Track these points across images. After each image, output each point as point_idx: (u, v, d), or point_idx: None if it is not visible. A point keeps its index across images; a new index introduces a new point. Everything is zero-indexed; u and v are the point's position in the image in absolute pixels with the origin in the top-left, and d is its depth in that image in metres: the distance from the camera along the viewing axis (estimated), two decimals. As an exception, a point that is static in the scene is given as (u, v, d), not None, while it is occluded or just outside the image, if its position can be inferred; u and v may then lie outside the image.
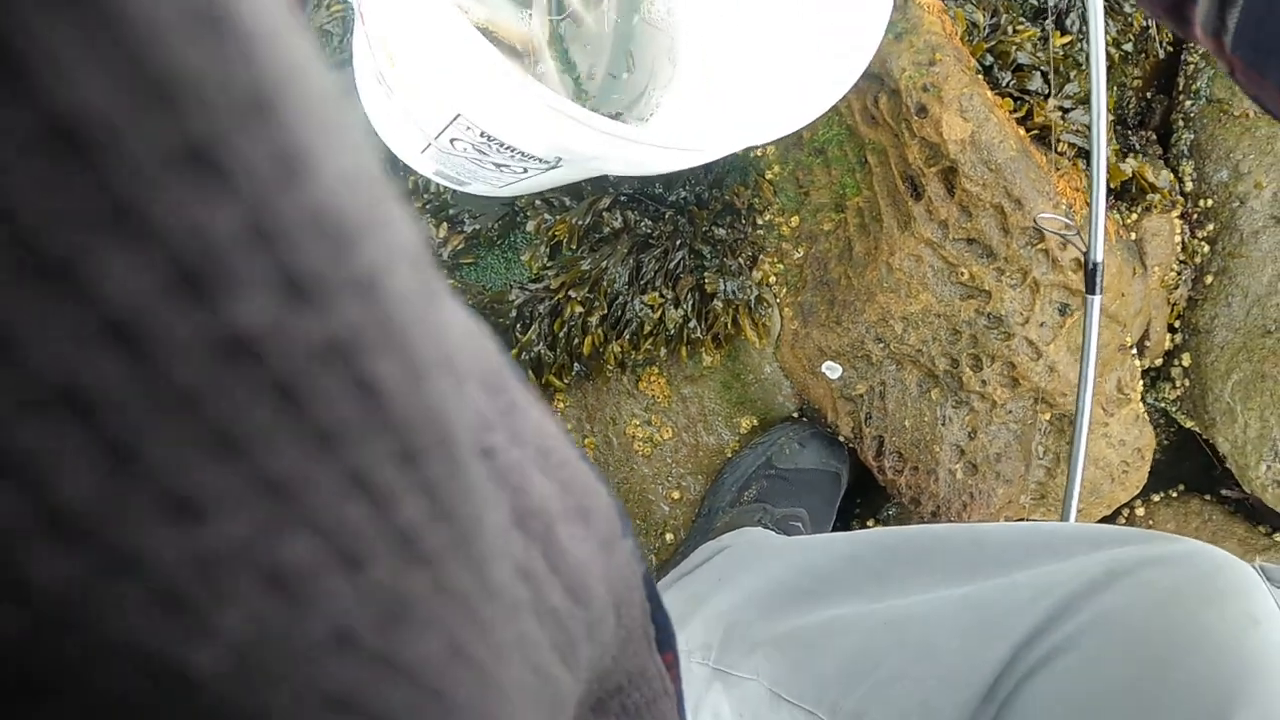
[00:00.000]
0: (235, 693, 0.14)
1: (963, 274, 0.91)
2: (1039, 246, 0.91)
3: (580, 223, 0.92)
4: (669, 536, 0.98)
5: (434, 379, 0.15)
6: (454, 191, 0.96)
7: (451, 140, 0.83)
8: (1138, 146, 1.14)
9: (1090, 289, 0.86)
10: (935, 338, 0.92)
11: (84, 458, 0.11)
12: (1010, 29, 1.04)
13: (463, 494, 0.17)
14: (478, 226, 0.95)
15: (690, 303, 0.91)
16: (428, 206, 0.95)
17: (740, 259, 0.93)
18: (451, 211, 0.96)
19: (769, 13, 0.91)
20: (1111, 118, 1.07)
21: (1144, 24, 1.17)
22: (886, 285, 0.91)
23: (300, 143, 0.13)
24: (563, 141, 0.74)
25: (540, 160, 0.80)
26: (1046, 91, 1.03)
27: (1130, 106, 1.19)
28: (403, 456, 0.15)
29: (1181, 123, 1.16)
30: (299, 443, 0.13)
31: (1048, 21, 1.12)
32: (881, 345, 0.93)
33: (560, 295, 0.92)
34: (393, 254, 0.14)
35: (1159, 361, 1.09)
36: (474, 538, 0.18)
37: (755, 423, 0.98)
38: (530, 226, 0.94)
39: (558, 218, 0.93)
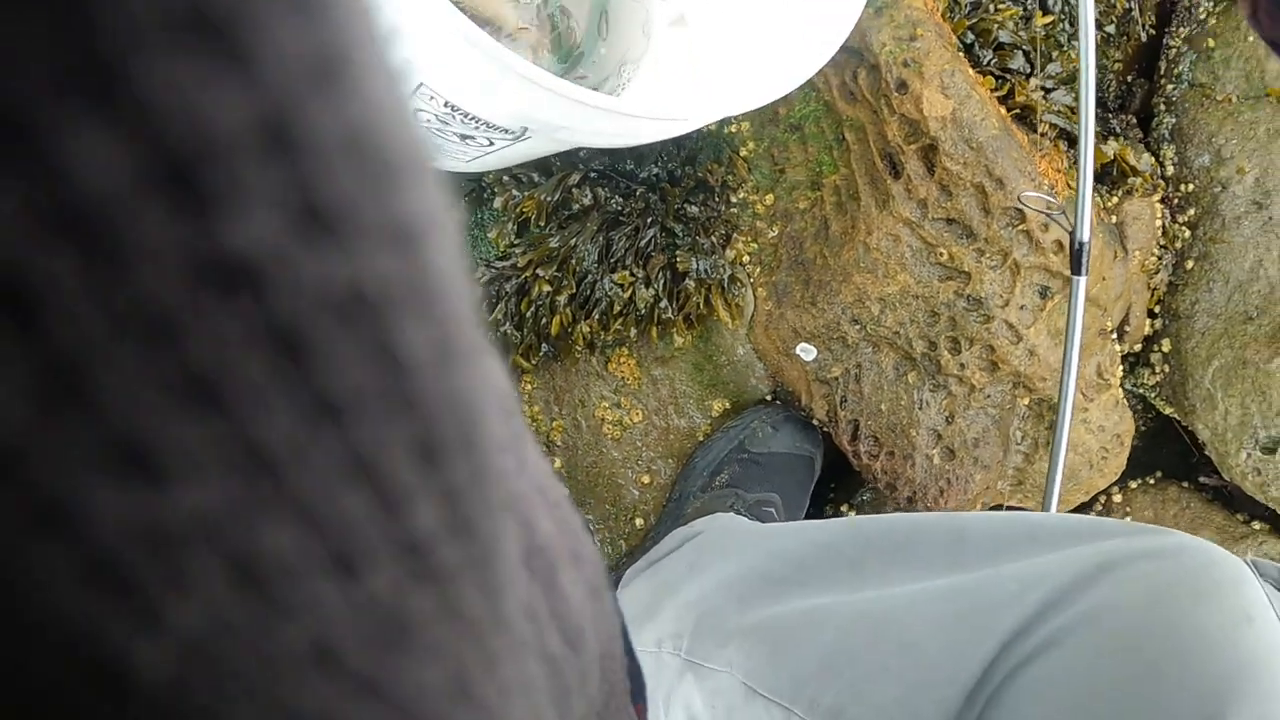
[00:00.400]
0: (179, 704, 0.11)
1: (942, 254, 0.88)
2: (1020, 228, 0.88)
3: (549, 199, 0.88)
4: (639, 521, 0.95)
5: (466, 366, 0.13)
6: (419, 166, 0.92)
7: (415, 111, 0.79)
8: (1118, 130, 1.11)
9: (1076, 269, 0.82)
10: (913, 319, 0.89)
11: (17, 373, 0.09)
12: (992, 7, 1.01)
13: (485, 508, 0.14)
14: (443, 202, 0.91)
15: (661, 282, 0.88)
16: (392, 181, 0.91)
17: (713, 237, 0.89)
18: (416, 186, 0.92)
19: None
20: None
21: (1126, 6, 1.14)
22: (863, 265, 0.88)
23: (343, 44, 0.10)
24: (529, 110, 0.71)
25: (505, 131, 0.77)
26: (1028, 71, 1.00)
27: (1111, 89, 1.16)
28: (423, 449, 0.12)
29: (1163, 106, 1.13)
30: (295, 406, 0.10)
31: (1030, 0, 1.09)
32: (858, 327, 0.90)
33: (528, 273, 0.88)
34: (435, 212, 0.12)
35: (1138, 347, 1.06)
36: (492, 561, 0.15)
37: (727, 405, 0.94)
38: (498, 203, 0.90)
39: (526, 194, 0.89)
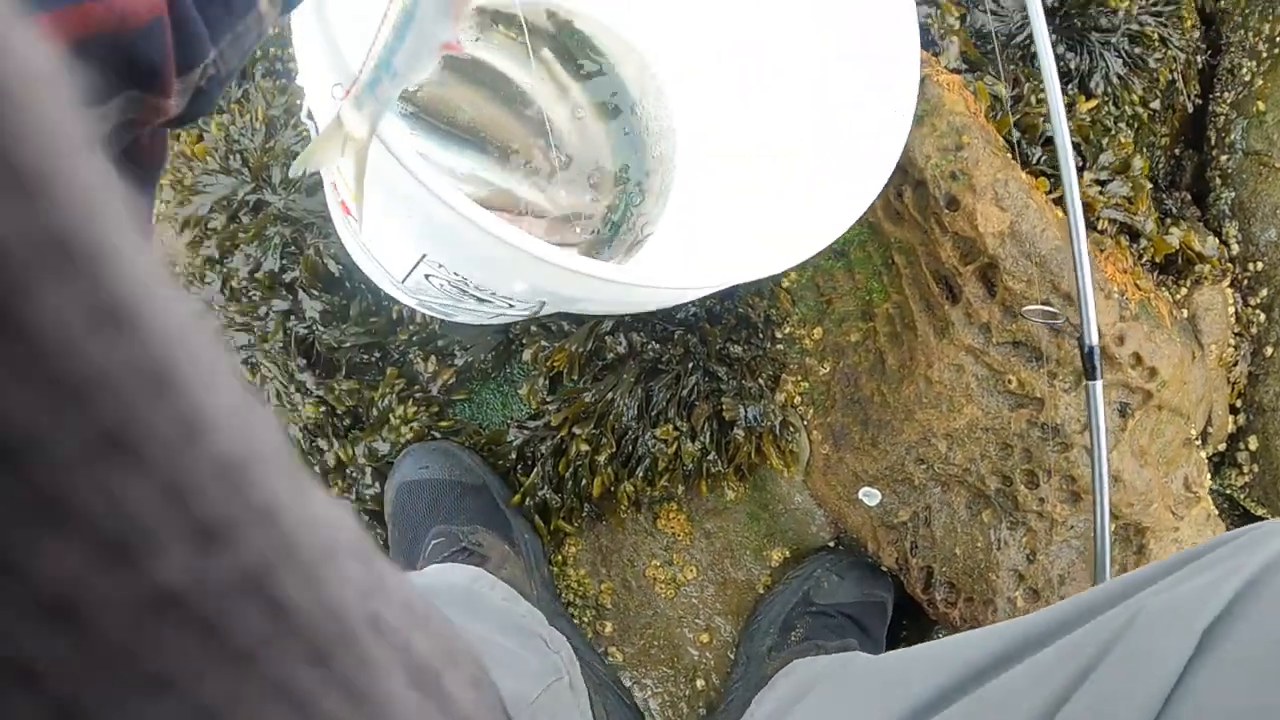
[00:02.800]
0: None
1: (1010, 381, 0.76)
2: (1092, 343, 0.76)
3: (581, 350, 0.77)
4: (700, 682, 0.83)
5: (326, 575, 0.15)
6: (442, 320, 0.82)
7: (426, 276, 0.69)
8: (1174, 209, 0.99)
9: (1090, 375, 0.70)
10: (984, 454, 0.77)
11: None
12: (1033, 98, 0.90)
13: (370, 677, 0.17)
14: (469, 359, 0.80)
15: (708, 433, 0.76)
16: (414, 338, 0.81)
17: (760, 379, 0.78)
18: (440, 343, 0.81)
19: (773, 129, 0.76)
20: (1148, 184, 0.92)
21: (1169, 77, 1.02)
22: (926, 400, 0.76)
23: (198, 400, 0.12)
24: (541, 284, 0.60)
25: (523, 302, 0.66)
26: (1080, 165, 0.88)
27: (1160, 166, 1.04)
28: (315, 658, 0.15)
29: (1219, 180, 1.01)
30: (225, 668, 0.13)
31: (1070, 85, 0.97)
32: (924, 466, 0.78)
33: (563, 432, 0.77)
34: (276, 468, 0.14)
35: (1223, 446, 0.93)
36: (388, 713, 0.18)
37: (787, 555, 0.82)
38: (526, 355, 0.80)
39: (556, 345, 0.78)
